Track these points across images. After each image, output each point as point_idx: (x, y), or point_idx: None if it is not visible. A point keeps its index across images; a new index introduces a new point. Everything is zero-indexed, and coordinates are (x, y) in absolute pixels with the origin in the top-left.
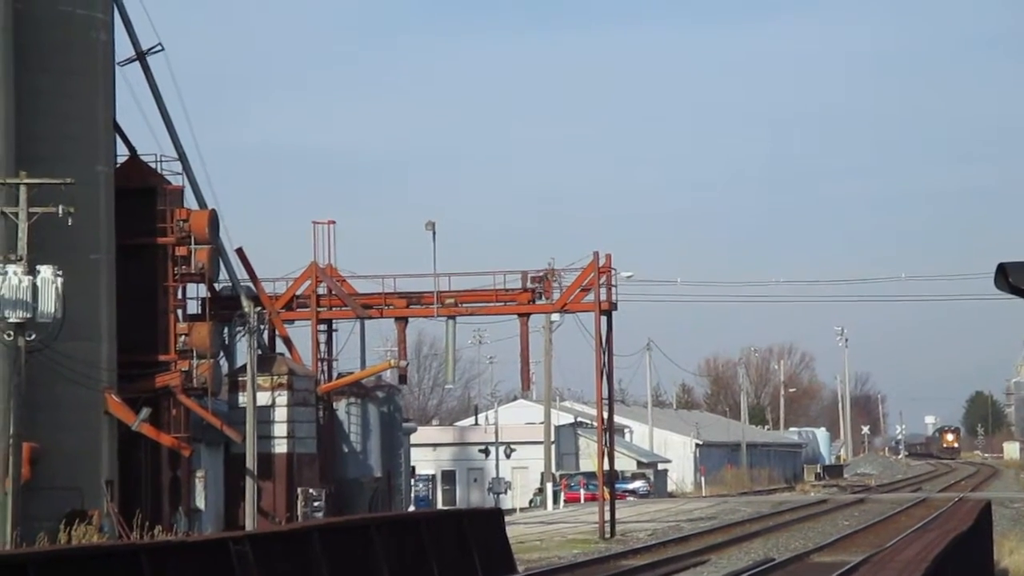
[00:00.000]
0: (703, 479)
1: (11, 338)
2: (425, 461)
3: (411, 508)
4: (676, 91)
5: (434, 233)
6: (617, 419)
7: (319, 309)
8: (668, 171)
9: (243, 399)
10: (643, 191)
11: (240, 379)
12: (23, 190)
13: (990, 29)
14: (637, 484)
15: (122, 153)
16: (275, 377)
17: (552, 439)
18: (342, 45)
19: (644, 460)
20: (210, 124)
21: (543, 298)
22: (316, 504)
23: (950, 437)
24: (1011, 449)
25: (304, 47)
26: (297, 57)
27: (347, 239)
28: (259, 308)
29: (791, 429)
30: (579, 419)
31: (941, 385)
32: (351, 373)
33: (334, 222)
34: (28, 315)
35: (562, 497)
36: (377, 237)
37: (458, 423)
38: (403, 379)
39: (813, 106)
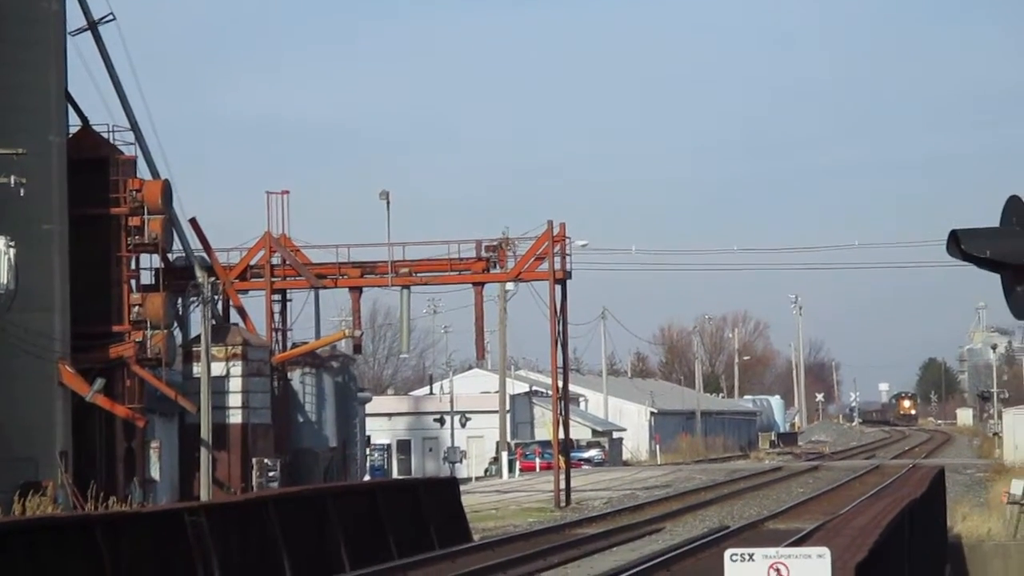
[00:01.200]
0: (658, 447)
1: None
2: (380, 431)
3: (366, 478)
4: (632, 60)
5: (388, 202)
6: (572, 388)
7: (273, 279)
8: (623, 141)
9: (197, 370)
10: (598, 160)
11: (194, 349)
12: None
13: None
14: (592, 453)
15: (74, 123)
16: (229, 347)
17: (507, 408)
18: (295, 13)
19: (599, 429)
20: (162, 94)
21: (497, 267)
22: (271, 474)
23: (907, 404)
24: (964, 416)
25: (256, 15)
26: (249, 26)
27: (301, 209)
28: (213, 278)
29: (745, 397)
30: (534, 388)
31: (895, 352)
32: (305, 343)
33: (288, 192)
34: None
35: (517, 466)
36: (331, 207)
37: (413, 392)
38: (358, 349)
39: (769, 75)
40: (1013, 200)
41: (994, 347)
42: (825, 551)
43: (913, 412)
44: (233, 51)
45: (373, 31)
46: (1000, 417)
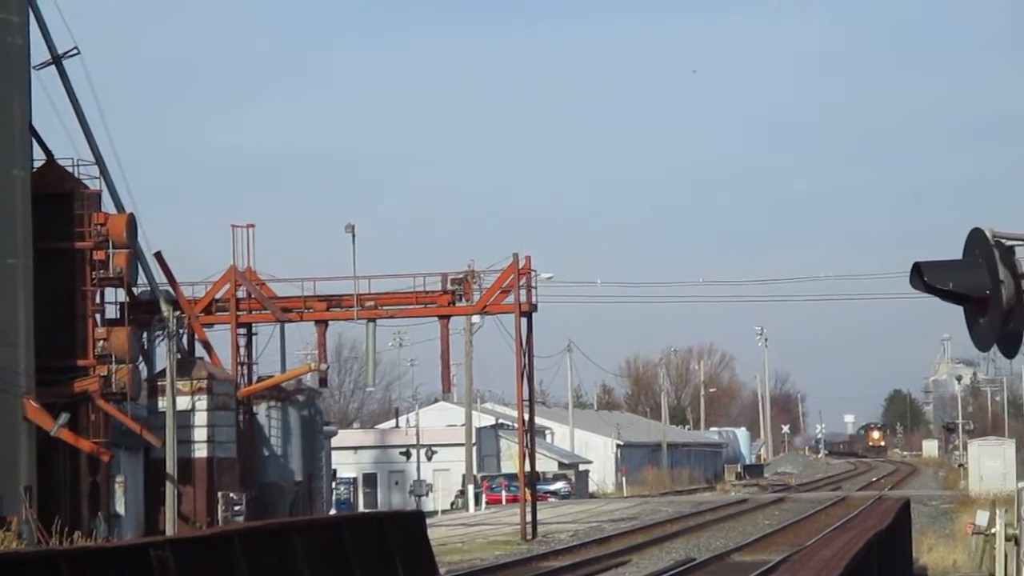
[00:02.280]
0: (624, 480)
1: None
2: (346, 464)
3: (332, 511)
4: (599, 91)
5: (354, 236)
6: (538, 420)
7: (238, 313)
8: (588, 172)
9: (163, 404)
10: (563, 193)
11: (159, 383)
12: None
13: (925, 31)
14: (558, 485)
15: (38, 157)
16: (195, 381)
17: (473, 441)
18: (258, 48)
19: (565, 461)
20: (128, 128)
21: (463, 300)
22: (237, 508)
23: (876, 435)
24: (929, 447)
25: (219, 50)
26: (215, 60)
27: (267, 243)
28: (178, 312)
29: (711, 429)
30: (500, 421)
31: (860, 384)
32: (271, 377)
33: (253, 226)
34: None
35: (484, 499)
36: (297, 241)
37: (379, 426)
38: (323, 382)
39: (739, 106)
40: (975, 232)
41: (959, 379)
42: None
43: (882, 443)
44: (199, 85)
45: (342, 63)
46: (965, 448)
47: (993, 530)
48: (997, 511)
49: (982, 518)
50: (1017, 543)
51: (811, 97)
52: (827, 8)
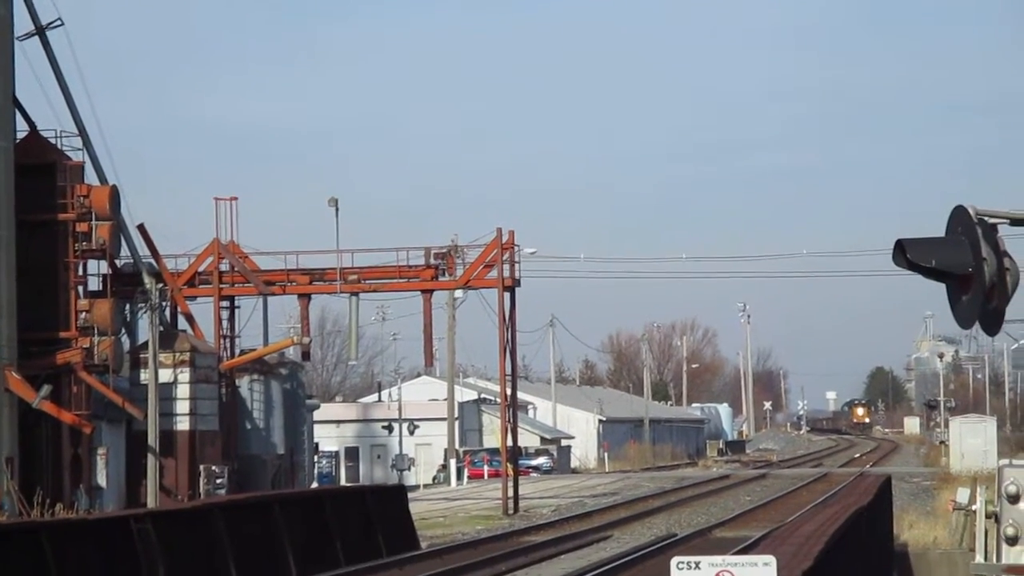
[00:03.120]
0: (606, 455)
1: None
2: (328, 438)
3: (314, 485)
4: (581, 67)
5: (337, 209)
6: (520, 395)
7: (221, 286)
8: (572, 148)
9: (145, 376)
10: (547, 167)
11: (142, 356)
12: None
13: (898, 10)
14: (540, 460)
15: (21, 128)
16: (177, 354)
17: (456, 415)
18: (243, 19)
19: (547, 436)
20: (111, 100)
21: (446, 274)
22: (219, 481)
23: (860, 411)
24: (911, 424)
25: (204, 22)
26: (199, 32)
27: (250, 216)
28: (161, 285)
29: (694, 405)
30: (482, 395)
31: (842, 361)
32: (254, 350)
33: (236, 198)
34: None
35: (465, 473)
36: (280, 214)
37: (361, 400)
38: (306, 356)
39: (720, 81)
40: (959, 210)
41: (941, 356)
42: (771, 559)
43: (867, 420)
44: (183, 57)
45: (322, 37)
46: (947, 426)
47: (974, 507)
48: (978, 488)
49: (963, 495)
50: (997, 520)
51: (792, 70)
52: None
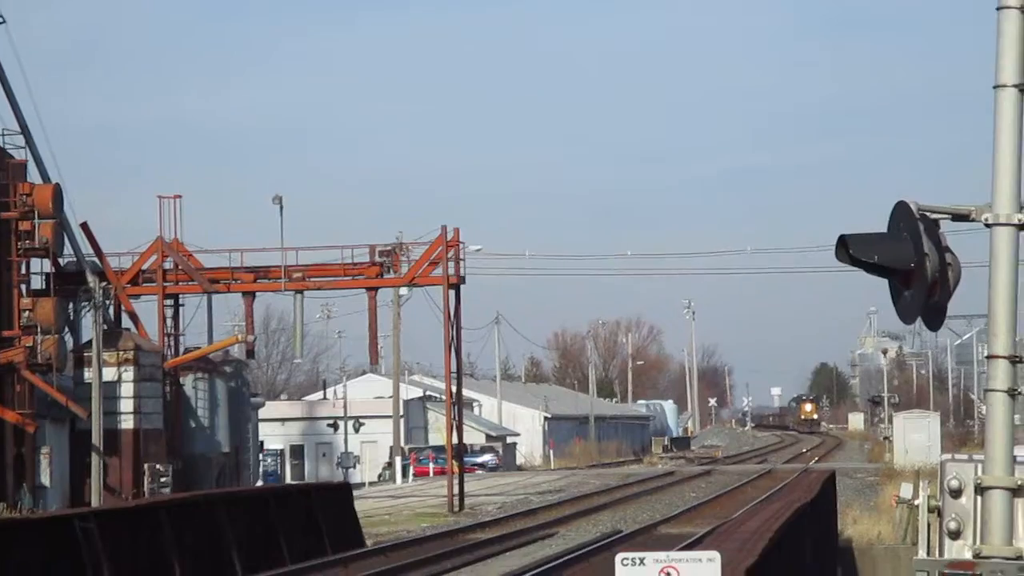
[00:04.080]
0: (552, 452)
1: None
2: (273, 436)
3: (259, 483)
4: (529, 65)
5: (281, 207)
6: (466, 393)
7: (166, 284)
8: (517, 146)
9: (88, 375)
10: (493, 165)
11: (85, 355)
12: None
13: (834, 12)
14: (486, 458)
15: None
16: (121, 352)
17: (401, 413)
18: (188, 18)
19: (493, 433)
20: (53, 98)
21: (391, 272)
22: (163, 480)
23: (808, 407)
24: (855, 420)
25: (149, 19)
26: (144, 30)
27: (194, 214)
28: (104, 283)
29: (639, 402)
30: (428, 393)
31: (787, 357)
32: (198, 348)
33: (180, 196)
34: None
35: (411, 471)
36: (224, 211)
37: (307, 397)
38: (251, 354)
39: (664, 80)
40: (900, 205)
41: (885, 352)
42: (716, 555)
43: (815, 416)
44: (125, 54)
45: (268, 34)
46: (890, 422)
47: (917, 502)
48: (921, 483)
49: (906, 490)
50: (940, 514)
51: (735, 74)
52: None
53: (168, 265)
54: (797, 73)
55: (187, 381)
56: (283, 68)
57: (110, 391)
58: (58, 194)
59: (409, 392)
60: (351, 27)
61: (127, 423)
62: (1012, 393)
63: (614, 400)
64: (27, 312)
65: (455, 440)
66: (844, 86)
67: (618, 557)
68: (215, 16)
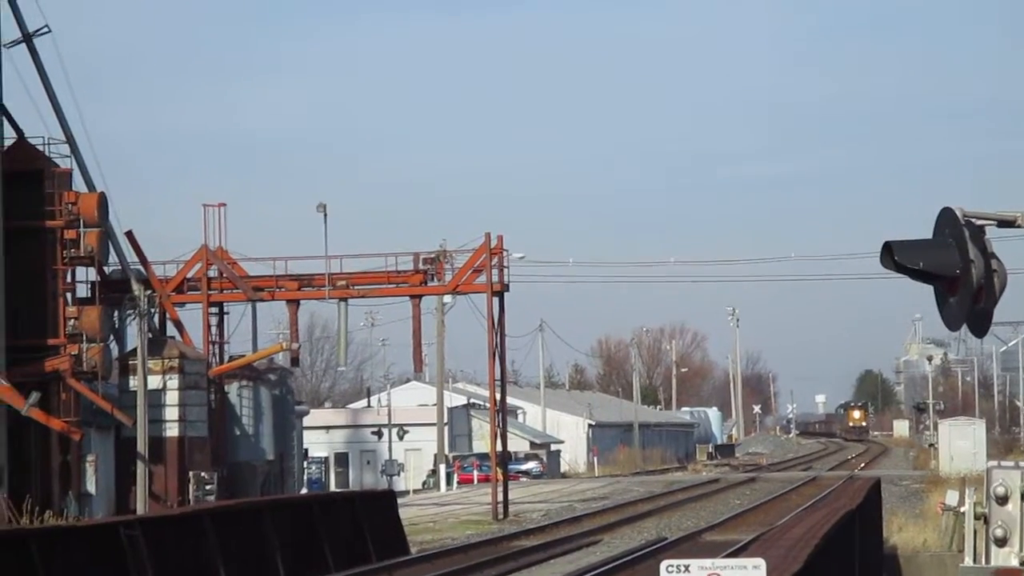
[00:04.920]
0: (596, 459)
1: None
2: (318, 443)
3: (303, 491)
4: (572, 71)
5: (325, 215)
6: (510, 400)
7: (210, 292)
8: (561, 152)
9: (134, 383)
10: (537, 172)
11: (131, 363)
12: None
13: (877, 15)
14: (530, 465)
15: (9, 136)
16: (166, 360)
17: (445, 420)
18: (233, 27)
19: (537, 441)
20: (98, 107)
21: (435, 280)
22: (208, 488)
23: (857, 414)
24: (900, 427)
25: (193, 29)
26: (188, 40)
27: (239, 221)
28: (149, 291)
29: (683, 409)
30: (472, 400)
31: (831, 364)
32: (243, 356)
33: (224, 205)
34: None
35: (455, 479)
36: (269, 219)
37: (351, 405)
38: (295, 361)
39: (710, 89)
40: (946, 211)
41: (930, 359)
42: (761, 562)
43: (864, 424)
44: (169, 65)
45: (310, 41)
46: (935, 428)
47: (963, 509)
48: (967, 490)
49: (952, 497)
50: (986, 521)
51: (783, 80)
52: None
53: (212, 273)
54: (847, 79)
55: (232, 389)
56: (326, 74)
57: (155, 399)
58: (103, 203)
59: (453, 400)
60: (392, 32)
61: (172, 431)
62: None
63: (658, 407)
64: (73, 320)
65: (499, 447)
66: (892, 92)
67: (663, 564)
68: (258, 23)
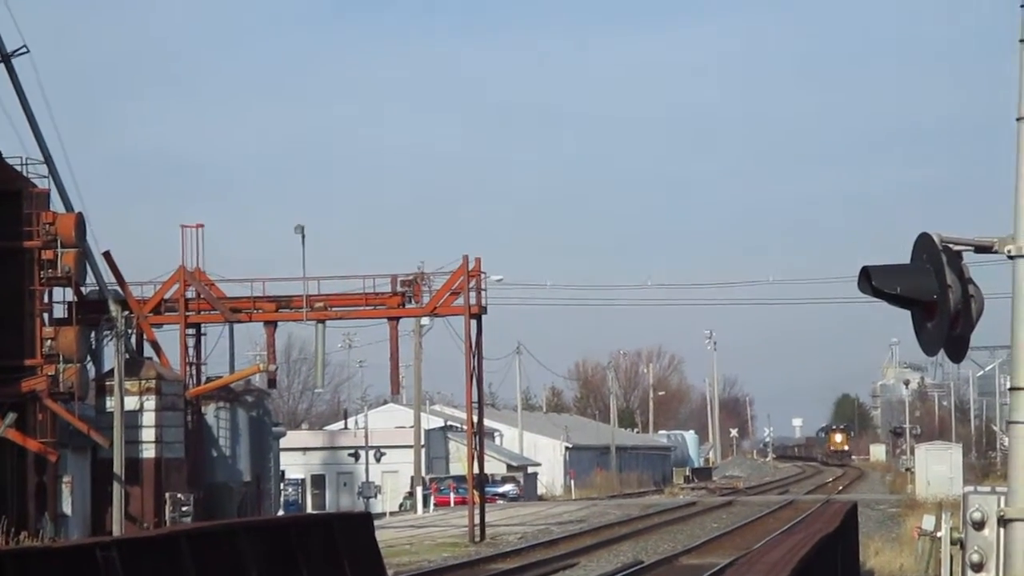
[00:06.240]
0: (573, 482)
1: None
2: (295, 465)
3: (280, 512)
4: (551, 91)
5: (303, 236)
6: (487, 423)
7: (187, 313)
8: (539, 174)
9: (110, 404)
10: (515, 195)
11: (107, 383)
12: None
13: (863, 38)
14: (507, 487)
15: None
16: (143, 381)
17: (422, 443)
18: (206, 48)
19: (514, 463)
20: (77, 127)
21: (413, 302)
22: (184, 509)
23: (839, 438)
24: (877, 451)
25: (171, 50)
26: (162, 59)
27: (216, 243)
28: (126, 312)
29: (660, 432)
30: (449, 423)
31: (808, 388)
32: (220, 377)
33: (202, 225)
34: None
35: (432, 501)
36: (247, 241)
37: (328, 427)
38: (272, 383)
39: (685, 109)
40: (923, 237)
41: (907, 383)
42: None
43: (846, 448)
44: (147, 85)
45: (284, 62)
46: (912, 453)
47: (939, 534)
48: (943, 515)
49: (928, 522)
50: (962, 547)
51: (754, 99)
52: (758, 16)
53: (190, 294)
54: (822, 104)
55: (209, 410)
56: (303, 96)
57: (132, 420)
58: (81, 223)
59: (430, 422)
60: (371, 52)
61: (149, 452)
62: None
63: (635, 430)
64: (49, 341)
65: (476, 470)
66: (869, 116)
67: None
68: (231, 45)
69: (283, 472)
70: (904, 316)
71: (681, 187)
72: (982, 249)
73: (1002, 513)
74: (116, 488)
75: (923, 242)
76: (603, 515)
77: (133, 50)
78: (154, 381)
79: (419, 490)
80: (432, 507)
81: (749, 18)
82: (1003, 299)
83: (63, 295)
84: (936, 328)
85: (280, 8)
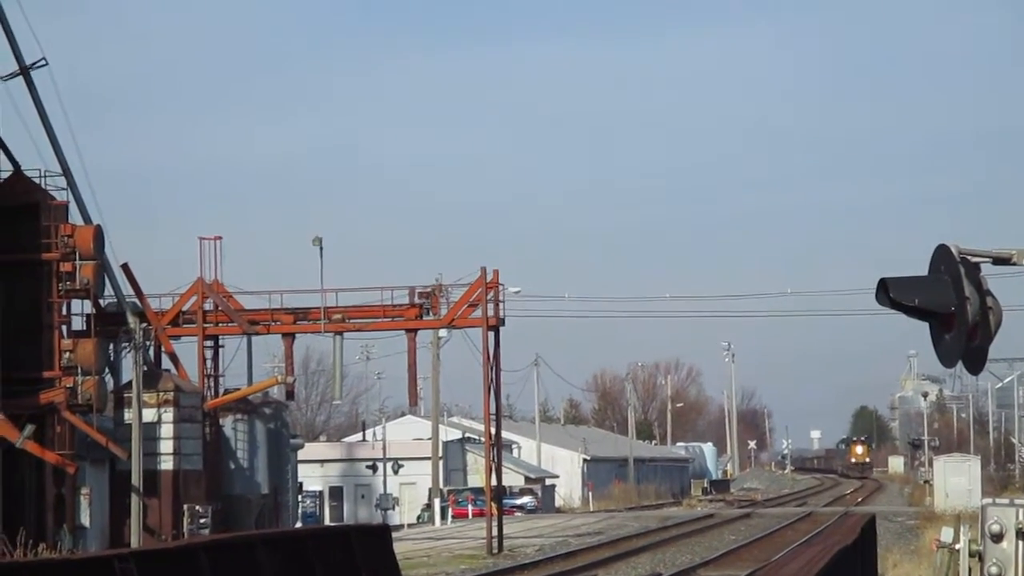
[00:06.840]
0: (591, 494)
1: None
2: (312, 477)
3: (298, 524)
4: (568, 106)
5: (321, 248)
6: (505, 435)
7: (205, 325)
8: (557, 186)
9: (129, 416)
10: (532, 206)
11: (126, 395)
12: None
13: (877, 55)
14: (525, 499)
15: (5, 168)
16: (161, 393)
17: (440, 455)
18: (226, 59)
19: (532, 475)
20: (95, 139)
21: (431, 314)
22: (202, 521)
23: (860, 450)
24: (895, 463)
25: (187, 59)
26: (179, 70)
27: (234, 255)
28: (145, 324)
29: (678, 444)
30: (467, 435)
31: (826, 400)
32: (238, 389)
33: (220, 238)
34: None
35: (450, 513)
36: (265, 253)
37: (346, 439)
38: (290, 395)
39: (707, 121)
40: (941, 249)
41: (925, 395)
42: None
43: (867, 460)
44: (164, 96)
45: (303, 75)
46: (931, 465)
47: (957, 546)
48: (962, 527)
49: (947, 534)
50: (981, 559)
51: (775, 111)
52: (778, 28)
53: (208, 306)
54: (839, 113)
55: (227, 422)
56: (323, 108)
57: (150, 432)
58: (99, 235)
59: (448, 434)
60: (392, 63)
61: (167, 464)
62: None
63: (653, 442)
64: (68, 353)
65: (494, 482)
66: (886, 128)
67: None
68: (251, 57)
69: (301, 484)
70: (922, 328)
71: (697, 198)
72: (1000, 261)
73: (1020, 525)
74: (134, 500)
75: (941, 254)
76: (621, 527)
77: (151, 63)
78: (172, 393)
79: (437, 502)
80: (450, 519)
81: (779, 25)
82: (1021, 311)
83: (81, 307)
84: (954, 340)
85: (301, 18)
